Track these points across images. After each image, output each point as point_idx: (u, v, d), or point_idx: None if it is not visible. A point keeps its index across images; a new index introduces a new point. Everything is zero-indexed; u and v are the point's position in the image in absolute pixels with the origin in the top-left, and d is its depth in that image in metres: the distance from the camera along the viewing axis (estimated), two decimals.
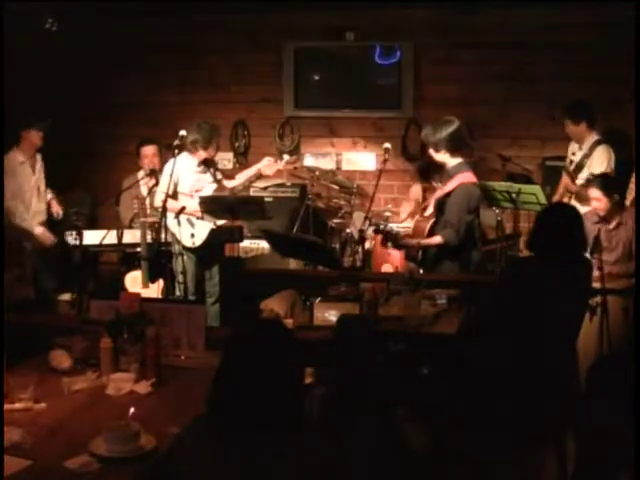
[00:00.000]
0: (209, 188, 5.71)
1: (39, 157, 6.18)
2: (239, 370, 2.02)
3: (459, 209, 4.73)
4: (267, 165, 5.82)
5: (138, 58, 7.28)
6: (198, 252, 5.66)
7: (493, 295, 3.68)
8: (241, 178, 5.93)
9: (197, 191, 5.63)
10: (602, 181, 5.05)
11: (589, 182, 5.31)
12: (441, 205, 4.85)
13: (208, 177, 5.74)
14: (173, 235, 5.66)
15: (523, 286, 3.45)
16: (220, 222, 5.58)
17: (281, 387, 2.02)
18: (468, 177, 4.81)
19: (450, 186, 4.77)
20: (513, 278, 3.61)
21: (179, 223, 5.45)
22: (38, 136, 6.03)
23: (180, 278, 5.57)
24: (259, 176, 5.91)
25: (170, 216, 5.48)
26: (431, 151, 4.85)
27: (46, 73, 7.13)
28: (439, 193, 4.91)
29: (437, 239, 4.74)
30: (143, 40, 7.24)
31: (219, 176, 5.86)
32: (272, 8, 6.75)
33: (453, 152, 4.80)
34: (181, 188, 5.61)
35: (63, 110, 7.00)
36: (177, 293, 5.58)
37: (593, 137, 5.77)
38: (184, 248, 5.63)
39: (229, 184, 5.89)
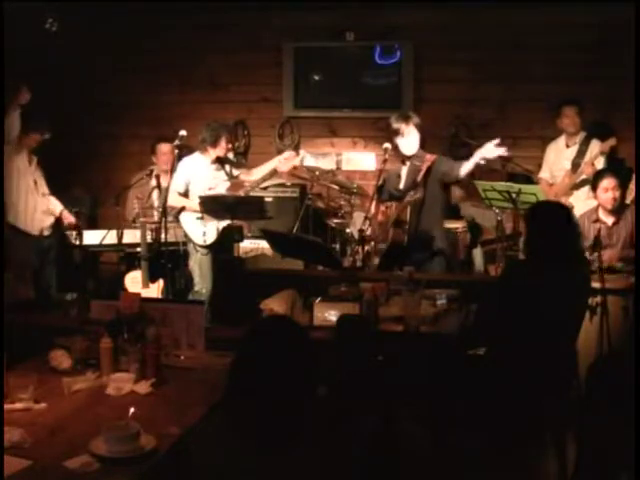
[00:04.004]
0: (223, 186, 5.72)
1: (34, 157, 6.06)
2: (252, 367, 2.03)
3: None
4: (284, 160, 5.75)
5: (138, 58, 7.28)
6: (211, 250, 5.68)
7: (492, 298, 3.67)
8: (259, 173, 5.87)
9: (211, 189, 5.64)
10: (617, 171, 5.11)
11: (609, 167, 5.53)
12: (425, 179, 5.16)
13: (223, 175, 5.75)
14: (186, 234, 5.71)
15: (521, 289, 3.44)
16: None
17: (293, 383, 2.03)
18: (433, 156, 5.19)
19: (426, 164, 5.11)
20: (511, 281, 3.59)
21: (190, 222, 5.58)
22: (35, 140, 5.91)
23: (196, 276, 5.67)
24: (274, 173, 5.88)
25: (183, 215, 5.63)
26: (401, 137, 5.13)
27: (46, 73, 7.13)
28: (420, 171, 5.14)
29: None
30: (143, 40, 7.24)
31: (235, 172, 5.86)
32: (272, 7, 6.76)
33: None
34: (196, 187, 5.61)
35: (63, 110, 6.99)
36: (195, 289, 5.70)
37: (582, 133, 6.01)
38: (197, 246, 5.67)
39: (246, 178, 5.88)
